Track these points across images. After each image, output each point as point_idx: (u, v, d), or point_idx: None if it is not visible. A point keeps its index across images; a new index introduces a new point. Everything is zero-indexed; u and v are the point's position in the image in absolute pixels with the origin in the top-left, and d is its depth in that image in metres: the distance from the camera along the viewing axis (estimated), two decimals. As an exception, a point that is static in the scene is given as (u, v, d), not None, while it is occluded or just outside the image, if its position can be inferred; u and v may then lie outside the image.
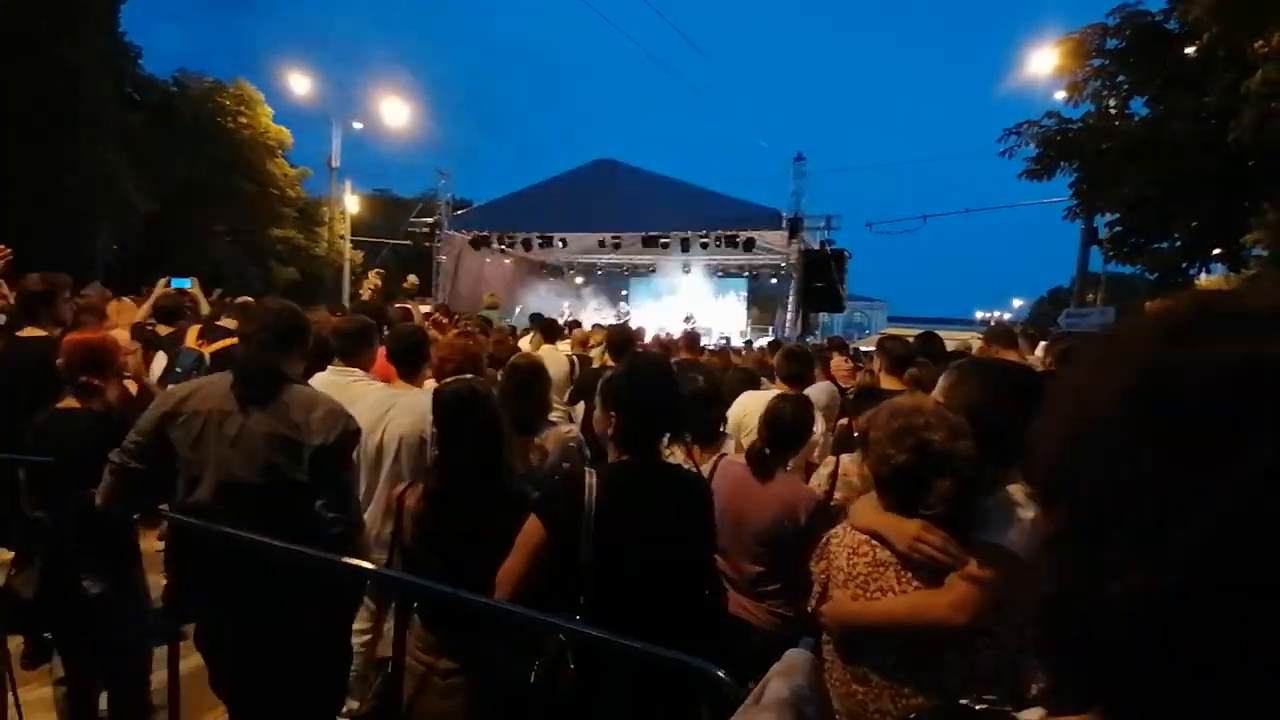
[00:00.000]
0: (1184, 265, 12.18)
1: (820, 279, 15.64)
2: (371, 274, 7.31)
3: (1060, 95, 12.10)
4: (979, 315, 60.23)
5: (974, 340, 9.03)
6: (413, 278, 6.33)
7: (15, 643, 2.55)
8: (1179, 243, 11.79)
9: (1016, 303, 58.50)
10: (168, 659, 2.07)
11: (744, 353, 7.43)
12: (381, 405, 2.94)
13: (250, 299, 4.39)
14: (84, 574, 2.29)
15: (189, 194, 23.92)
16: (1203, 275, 13.01)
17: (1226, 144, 8.97)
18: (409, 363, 3.16)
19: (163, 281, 5.60)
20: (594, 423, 1.95)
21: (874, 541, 1.55)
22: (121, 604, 2.34)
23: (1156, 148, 10.50)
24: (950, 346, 5.94)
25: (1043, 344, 6.21)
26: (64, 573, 2.28)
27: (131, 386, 3.03)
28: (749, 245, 15.97)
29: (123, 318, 5.84)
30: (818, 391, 4.13)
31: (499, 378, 2.84)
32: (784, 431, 2.56)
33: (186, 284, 5.72)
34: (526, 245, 18.21)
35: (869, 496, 1.62)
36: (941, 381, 1.66)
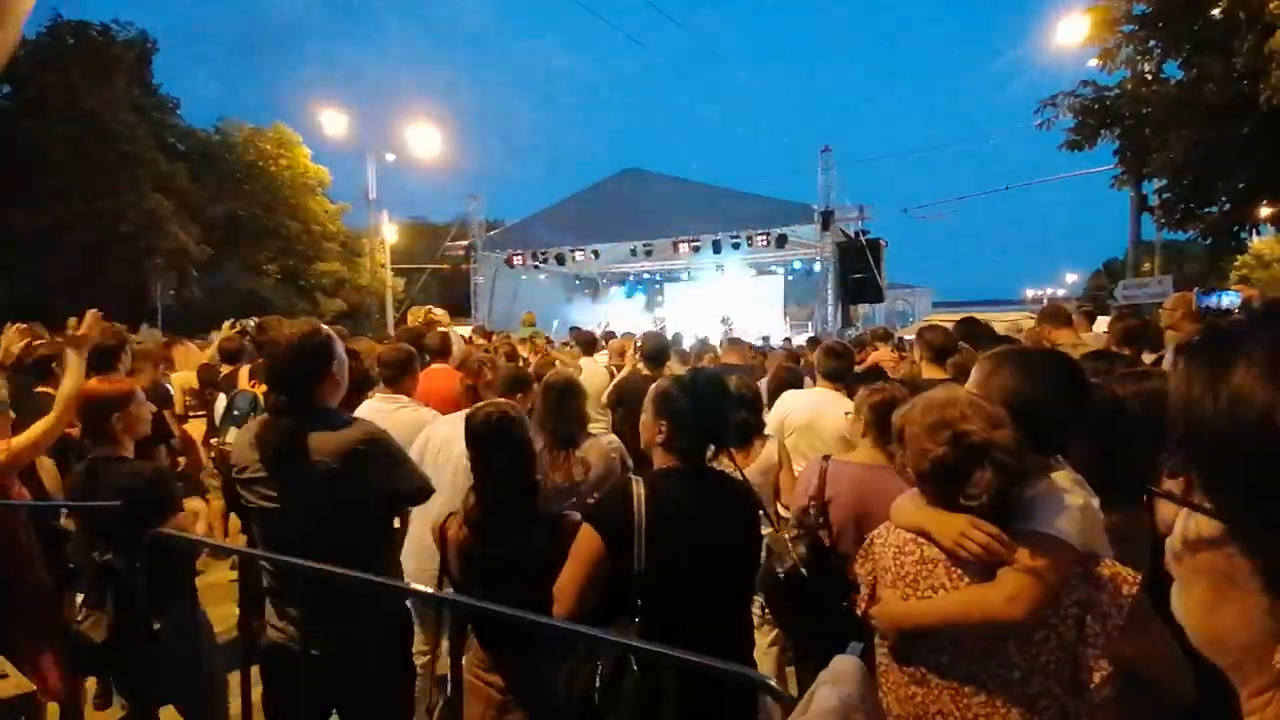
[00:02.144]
0: (1234, 229, 11.66)
1: (857, 270, 15.41)
2: (411, 313, 7.49)
3: (1093, 63, 11.72)
4: (1029, 294, 58.32)
5: (1025, 321, 8.76)
6: (440, 310, 6.42)
7: (89, 684, 2.66)
8: (1227, 205, 11.30)
9: (1070, 278, 56.50)
10: (241, 687, 2.16)
11: (769, 353, 7.38)
12: (423, 435, 3.03)
13: (265, 320, 4.42)
14: (154, 613, 2.39)
15: (237, 235, 24.96)
16: (1254, 237, 12.43)
17: (1259, 105, 8.73)
18: (398, 373, 3.34)
19: (227, 324, 5.83)
20: (641, 429, 1.98)
21: (920, 539, 1.53)
22: (188, 637, 2.43)
23: (1194, 110, 10.13)
24: (1001, 329, 5.77)
25: (1103, 319, 5.98)
26: (134, 612, 2.37)
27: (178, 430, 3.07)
28: (781, 241, 15.83)
29: (188, 361, 6.12)
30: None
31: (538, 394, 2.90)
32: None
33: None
34: (560, 260, 18.39)
35: (912, 493, 1.60)
36: (975, 372, 1.63)
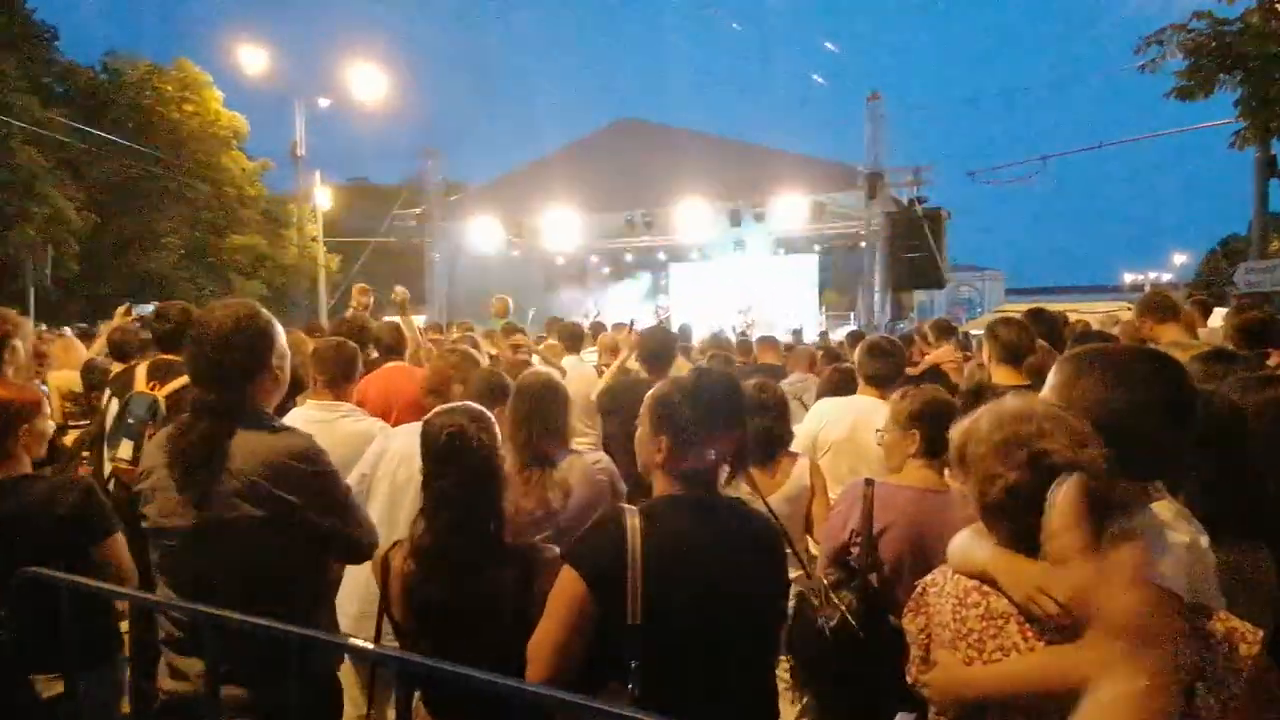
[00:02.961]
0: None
1: (912, 248, 15.47)
2: (356, 290, 7.51)
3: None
4: (1128, 279, 58.49)
5: (1122, 313, 8.78)
6: (401, 289, 6.43)
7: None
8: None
9: (1179, 259, 56.61)
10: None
11: (794, 351, 7.44)
12: (377, 446, 3.04)
13: (166, 305, 4.35)
14: (36, 672, 2.37)
15: (129, 200, 24.94)
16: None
17: None
18: (339, 375, 3.39)
19: (121, 310, 5.77)
20: (637, 446, 1.98)
21: (986, 588, 1.54)
22: (92, 706, 2.41)
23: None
24: (1092, 323, 5.77)
25: (1220, 311, 5.98)
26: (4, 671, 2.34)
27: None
28: (817, 211, 15.90)
29: (68, 358, 6.06)
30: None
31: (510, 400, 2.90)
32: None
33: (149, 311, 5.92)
34: (538, 233, 18.43)
35: (974, 529, 1.60)
36: (1053, 377, 1.63)
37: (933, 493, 2.54)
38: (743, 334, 14.35)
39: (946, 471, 2.57)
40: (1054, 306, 5.00)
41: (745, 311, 19.80)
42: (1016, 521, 1.47)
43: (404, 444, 2.96)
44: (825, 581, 2.48)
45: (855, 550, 2.58)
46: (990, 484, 1.48)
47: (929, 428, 2.58)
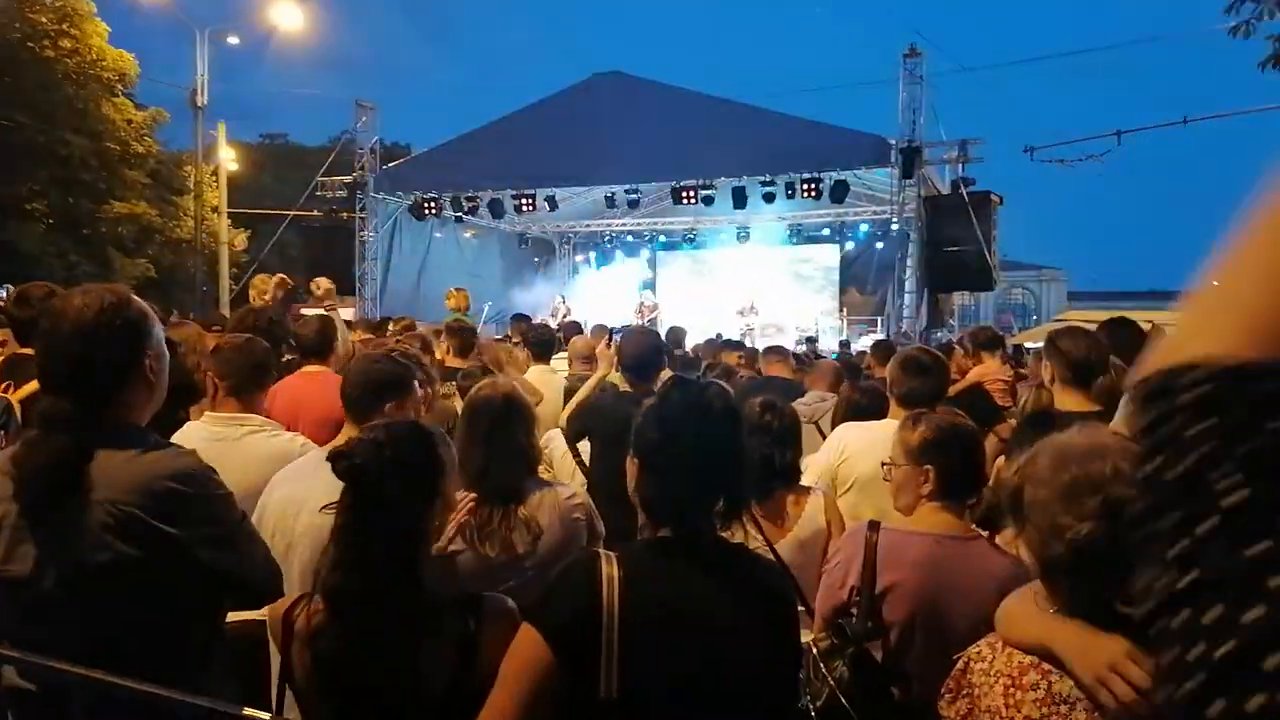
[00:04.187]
0: None
1: (955, 239, 15.57)
2: (259, 280, 7.41)
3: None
4: (1215, 284, 59.17)
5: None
6: (324, 281, 6.37)
7: None
8: None
9: None
10: None
11: (814, 365, 7.44)
12: (293, 473, 2.96)
13: (28, 287, 4.28)
14: None
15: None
16: None
17: None
18: (246, 380, 3.36)
19: None
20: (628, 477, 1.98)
21: (1046, 666, 1.53)
22: None
23: None
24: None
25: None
26: None
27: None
28: (839, 193, 16.02)
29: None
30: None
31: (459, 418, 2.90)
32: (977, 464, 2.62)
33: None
34: (497, 210, 18.46)
35: (1031, 591, 1.60)
36: (1126, 406, 1.63)
37: (951, 540, 2.53)
38: (739, 342, 14.38)
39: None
40: (1129, 316, 4.98)
41: (745, 312, 19.94)
42: (1086, 584, 1.47)
43: (297, 484, 2.86)
44: (816, 648, 2.47)
45: (855, 611, 2.57)
46: (1053, 537, 1.47)
47: (946, 462, 2.59)
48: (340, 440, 2.92)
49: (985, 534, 2.63)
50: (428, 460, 2.13)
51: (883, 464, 2.91)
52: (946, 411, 2.82)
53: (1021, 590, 1.64)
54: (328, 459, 2.05)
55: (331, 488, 2.12)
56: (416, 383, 3.08)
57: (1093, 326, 4.33)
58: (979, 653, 1.68)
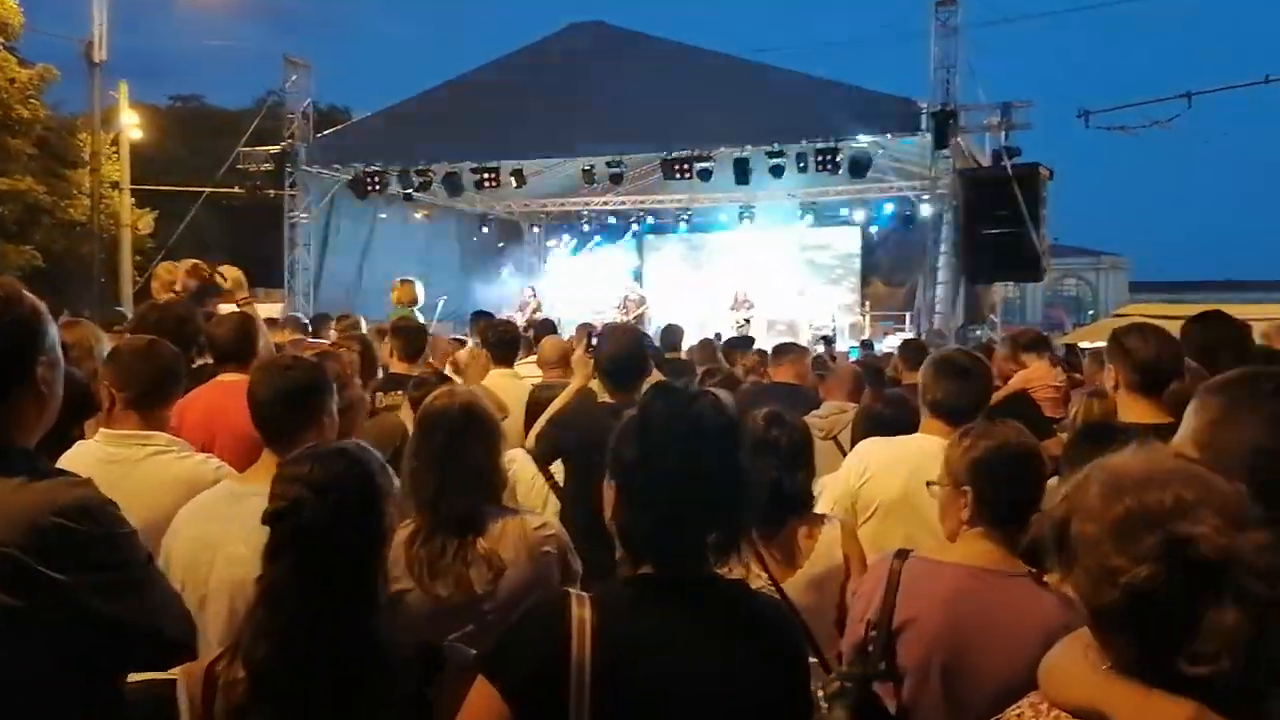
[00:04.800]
0: None
1: (997, 221, 15.59)
2: (165, 268, 7.33)
3: None
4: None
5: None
6: (232, 270, 6.27)
7: None
8: None
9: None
10: None
11: (828, 365, 7.41)
12: (203, 510, 2.94)
13: None
14: None
15: None
16: None
17: None
18: (150, 391, 3.32)
19: None
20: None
21: (1097, 731, 1.54)
22: None
23: None
24: (1256, 333, 5.74)
25: None
26: None
27: None
28: (859, 166, 16.09)
29: None
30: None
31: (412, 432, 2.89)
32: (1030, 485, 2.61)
33: None
34: (454, 186, 18.44)
35: (1079, 643, 1.60)
36: (1191, 417, 1.63)
37: (988, 574, 2.53)
38: (748, 339, 14.31)
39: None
40: (1199, 309, 4.92)
41: (738, 306, 19.92)
42: (1144, 637, 1.47)
43: (212, 530, 2.83)
44: (822, 693, 2.47)
45: (871, 649, 2.57)
46: (1105, 581, 1.46)
47: (987, 484, 2.59)
48: (260, 474, 2.92)
49: (1033, 570, 2.63)
50: (375, 495, 2.14)
51: (928, 484, 2.93)
52: (1003, 425, 2.81)
53: (1071, 640, 1.63)
54: (264, 520, 2.05)
55: (252, 529, 2.11)
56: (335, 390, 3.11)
57: (1164, 323, 4.30)
58: (1019, 714, 1.68)
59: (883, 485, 3.71)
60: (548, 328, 8.79)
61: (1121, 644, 1.51)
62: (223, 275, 5.95)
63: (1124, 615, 1.47)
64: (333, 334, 7.55)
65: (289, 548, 2.02)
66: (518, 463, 4.63)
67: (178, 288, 6.60)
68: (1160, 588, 1.41)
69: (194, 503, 2.94)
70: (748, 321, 19.39)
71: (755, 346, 9.33)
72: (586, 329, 6.89)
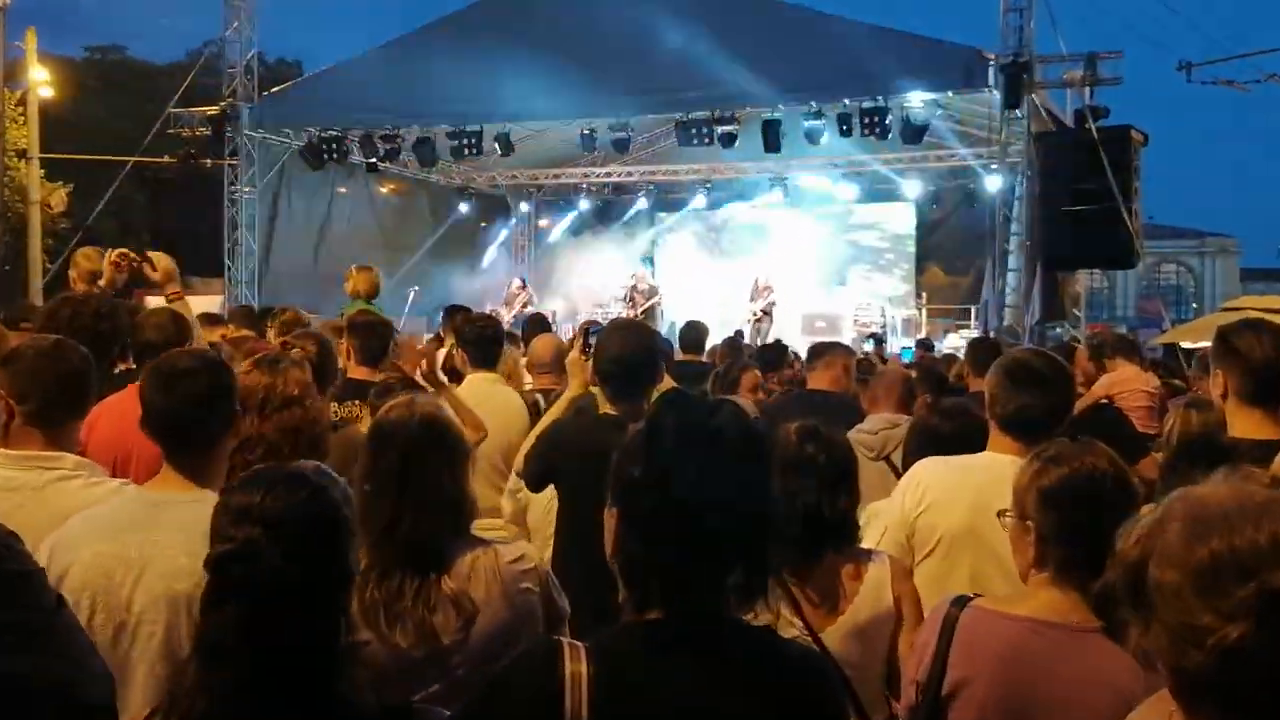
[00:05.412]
0: None
1: (1080, 195, 15.55)
2: (84, 255, 7.31)
3: None
4: None
5: None
6: (162, 258, 6.25)
7: None
8: None
9: None
10: None
11: (877, 369, 7.38)
12: (115, 516, 2.94)
13: None
14: None
15: None
16: None
17: None
18: (58, 402, 3.30)
19: None
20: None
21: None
22: None
23: None
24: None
25: None
26: None
27: None
28: (914, 129, 16.07)
29: None
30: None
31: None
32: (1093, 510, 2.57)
33: None
34: (426, 154, 18.51)
35: (1156, 709, 1.60)
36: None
37: (1053, 628, 2.52)
38: (739, 335, 14.29)
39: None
40: None
41: (756, 296, 19.84)
42: (1235, 706, 1.46)
43: (130, 542, 2.82)
44: None
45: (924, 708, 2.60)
46: (1188, 640, 1.45)
47: (1060, 519, 2.56)
48: (170, 486, 2.94)
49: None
50: (340, 531, 2.14)
51: (999, 514, 2.90)
52: (1087, 446, 2.77)
53: (1149, 707, 1.63)
54: (205, 565, 2.05)
55: (192, 536, 2.11)
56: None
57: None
58: None
59: (944, 515, 3.69)
60: (539, 325, 8.81)
61: (1208, 713, 1.50)
62: (151, 264, 5.92)
63: (1211, 681, 1.45)
64: (270, 334, 7.47)
65: (234, 598, 2.01)
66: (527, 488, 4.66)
67: (102, 282, 6.60)
68: (1255, 650, 1.39)
69: (91, 514, 2.93)
70: (767, 313, 19.36)
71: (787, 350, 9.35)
72: (587, 325, 6.87)
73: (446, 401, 4.82)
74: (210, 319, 7.98)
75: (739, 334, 13.63)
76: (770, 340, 14.10)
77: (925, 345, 16.62)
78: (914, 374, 6.90)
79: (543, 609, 2.91)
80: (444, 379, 5.25)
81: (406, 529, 2.76)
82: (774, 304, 19.98)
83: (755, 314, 19.38)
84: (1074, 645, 2.47)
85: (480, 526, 3.21)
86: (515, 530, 5.10)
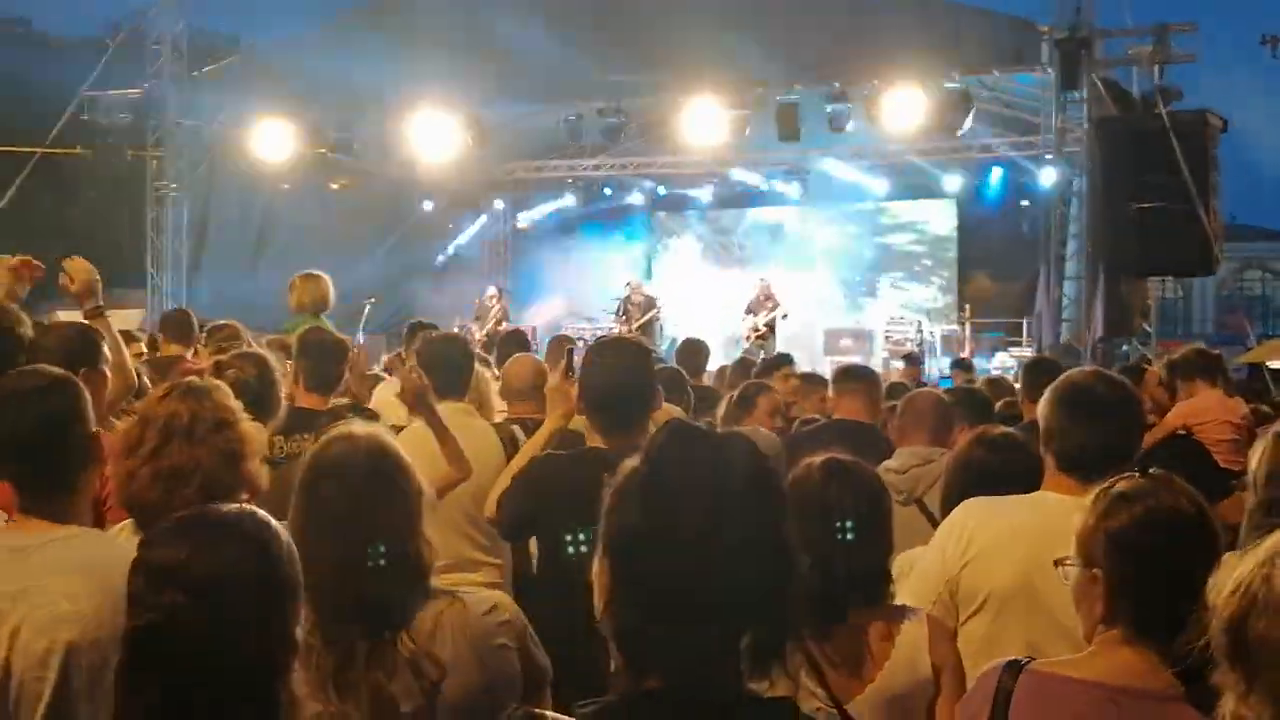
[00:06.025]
0: None
1: (1149, 190, 15.58)
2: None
3: None
4: None
5: None
6: (81, 266, 6.21)
7: None
8: None
9: None
10: None
11: (912, 394, 7.40)
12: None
13: None
14: None
15: None
16: None
17: None
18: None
19: None
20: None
21: None
22: None
23: None
24: None
25: None
26: None
27: None
28: (955, 114, 16.10)
29: None
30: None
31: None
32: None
33: None
34: (384, 145, 18.46)
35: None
36: None
37: (1128, 695, 2.51)
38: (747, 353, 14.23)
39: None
40: None
41: (759, 308, 19.76)
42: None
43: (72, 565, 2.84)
44: None
45: None
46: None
47: (1134, 567, 2.55)
48: (30, 530, 2.93)
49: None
50: (281, 589, 2.14)
51: (1056, 563, 2.89)
52: (1161, 482, 2.76)
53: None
54: (122, 640, 2.06)
55: (72, 578, 2.10)
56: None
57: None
58: None
59: (993, 567, 3.67)
60: (516, 343, 8.82)
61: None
62: (70, 273, 5.84)
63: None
64: (203, 354, 7.43)
65: (155, 678, 2.01)
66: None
67: (1, 293, 6.57)
68: None
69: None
70: (769, 328, 19.21)
71: (802, 371, 9.31)
72: (565, 343, 6.86)
73: (434, 435, 4.85)
74: (129, 338, 7.94)
75: (750, 350, 13.59)
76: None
77: (963, 366, 16.51)
78: (951, 399, 6.81)
79: (523, 668, 2.90)
80: (435, 403, 5.16)
81: (355, 583, 2.76)
82: (780, 317, 19.83)
83: (756, 329, 19.25)
84: (1156, 716, 2.46)
85: (449, 584, 3.21)
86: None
